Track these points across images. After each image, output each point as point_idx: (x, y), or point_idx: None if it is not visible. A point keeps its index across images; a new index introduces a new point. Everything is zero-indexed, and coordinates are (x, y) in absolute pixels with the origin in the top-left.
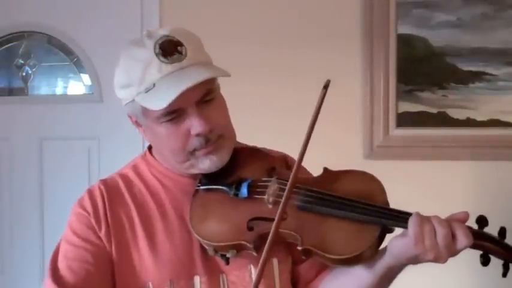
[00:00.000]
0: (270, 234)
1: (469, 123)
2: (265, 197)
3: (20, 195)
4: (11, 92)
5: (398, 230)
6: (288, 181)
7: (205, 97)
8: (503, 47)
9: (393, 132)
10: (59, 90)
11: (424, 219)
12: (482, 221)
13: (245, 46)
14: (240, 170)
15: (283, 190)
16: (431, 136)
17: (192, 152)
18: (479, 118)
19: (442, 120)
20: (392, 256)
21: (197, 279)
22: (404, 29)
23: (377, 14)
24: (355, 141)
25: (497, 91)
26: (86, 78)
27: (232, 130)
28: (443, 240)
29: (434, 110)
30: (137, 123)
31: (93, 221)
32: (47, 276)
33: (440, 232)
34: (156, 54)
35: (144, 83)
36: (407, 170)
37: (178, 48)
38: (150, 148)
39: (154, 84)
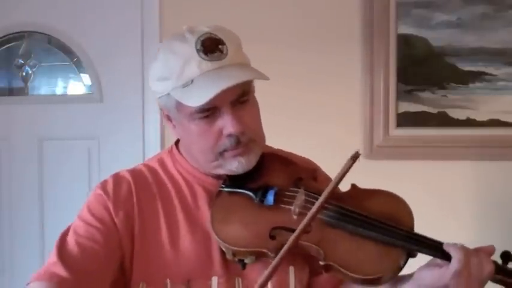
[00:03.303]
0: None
1: (469, 123)
2: (292, 207)
3: (19, 195)
4: (11, 92)
5: (420, 256)
6: (314, 193)
7: (240, 97)
8: (503, 47)
9: (393, 132)
10: (59, 90)
11: (470, 252)
12: (506, 256)
13: (244, 46)
14: (266, 176)
15: (310, 202)
16: (431, 136)
17: (222, 153)
18: (479, 118)
19: (442, 120)
20: (418, 285)
21: (215, 280)
22: (404, 29)
23: (377, 14)
24: (355, 141)
25: (497, 91)
26: (86, 78)
27: (263, 136)
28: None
29: (434, 110)
30: (168, 118)
31: (110, 205)
32: (53, 248)
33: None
34: (197, 51)
35: (182, 78)
36: (407, 170)
37: (220, 46)
38: (176, 144)
39: (192, 81)
